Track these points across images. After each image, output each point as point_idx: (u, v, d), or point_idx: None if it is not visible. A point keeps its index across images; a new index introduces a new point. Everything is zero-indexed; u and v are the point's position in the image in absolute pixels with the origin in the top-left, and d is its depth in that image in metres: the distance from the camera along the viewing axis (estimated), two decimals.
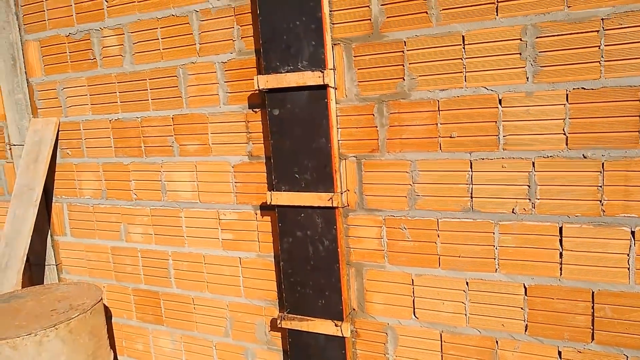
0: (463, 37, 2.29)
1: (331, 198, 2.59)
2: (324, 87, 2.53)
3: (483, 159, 2.35)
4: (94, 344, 2.77)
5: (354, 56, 2.54)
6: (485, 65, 2.27)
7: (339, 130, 2.63)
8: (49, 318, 2.63)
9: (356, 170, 2.63)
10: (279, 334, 3.02)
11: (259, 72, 2.75)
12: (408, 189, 2.52)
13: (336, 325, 2.71)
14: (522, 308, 2.36)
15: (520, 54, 2.20)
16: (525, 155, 2.26)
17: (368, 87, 2.53)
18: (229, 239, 3.08)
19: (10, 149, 3.85)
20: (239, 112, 2.90)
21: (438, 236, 2.49)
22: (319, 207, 2.66)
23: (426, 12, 2.35)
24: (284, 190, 2.75)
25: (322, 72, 2.49)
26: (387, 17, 2.43)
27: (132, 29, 3.12)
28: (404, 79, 2.44)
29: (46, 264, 3.85)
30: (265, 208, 2.92)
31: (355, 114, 2.58)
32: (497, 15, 2.22)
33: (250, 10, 2.73)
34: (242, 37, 2.80)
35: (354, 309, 2.77)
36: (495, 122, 2.29)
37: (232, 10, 2.80)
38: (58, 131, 3.59)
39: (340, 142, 2.64)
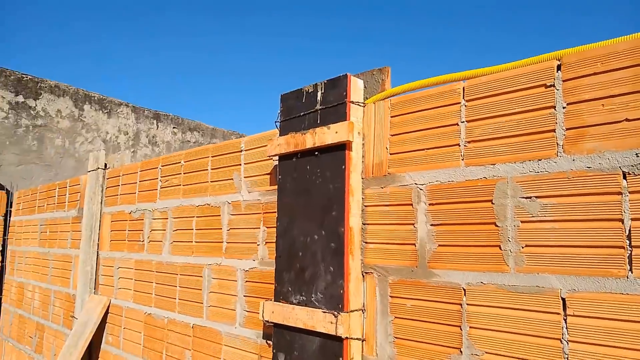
0: (564, 300, 1.24)
1: None
2: (339, 339, 1.64)
3: None
4: None
5: (391, 296, 1.62)
6: None
7: None
8: None
9: None
10: None
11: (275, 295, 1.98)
12: None
13: None
14: None
15: None
16: None
17: (409, 352, 1.55)
18: None
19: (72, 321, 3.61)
20: (252, 342, 2.12)
21: None
22: None
23: (499, 247, 1.38)
24: None
25: (336, 316, 1.62)
26: (439, 246, 1.51)
27: (174, 214, 2.70)
28: (461, 352, 1.42)
29: None
30: None
31: None
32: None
33: (276, 209, 2.07)
34: (266, 242, 2.12)
35: None
36: None
37: (260, 206, 2.18)
38: (107, 312, 3.23)
39: None
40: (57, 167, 5.77)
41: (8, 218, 5.27)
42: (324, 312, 1.67)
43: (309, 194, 1.83)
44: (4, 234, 5.24)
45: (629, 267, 1.16)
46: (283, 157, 1.96)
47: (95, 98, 6.32)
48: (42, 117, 5.77)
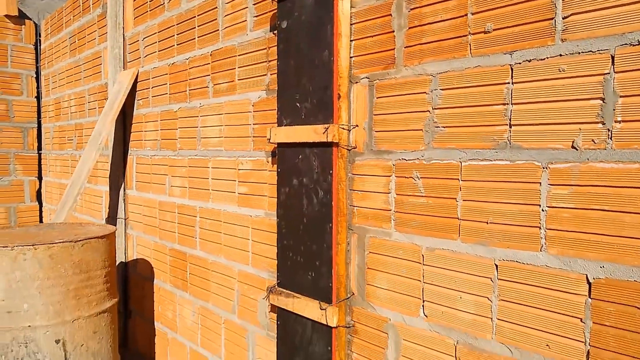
0: None
1: (326, 130, 1.93)
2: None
3: (529, 61, 1.45)
4: (80, 280, 2.52)
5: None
6: None
7: (353, 42, 1.98)
8: (45, 241, 2.47)
9: (367, 97, 1.93)
10: (275, 316, 2.38)
11: None
12: (426, 117, 1.72)
13: (321, 309, 1.98)
14: (582, 320, 1.35)
15: None
16: (598, 45, 1.31)
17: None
18: (243, 192, 2.60)
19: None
20: (261, 39, 2.44)
21: (460, 189, 1.62)
22: (315, 145, 2.02)
23: None
24: (285, 125, 2.18)
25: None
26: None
27: None
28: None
29: (118, 217, 3.87)
30: (275, 154, 2.37)
31: (371, 17, 1.90)
32: None
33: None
34: None
35: (352, 294, 2.00)
36: None
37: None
38: (136, 81, 3.61)
39: (353, 59, 1.98)
40: None
41: (38, 46, 5.62)
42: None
43: None
44: (37, 62, 5.62)
45: None
46: None
47: None
48: None
